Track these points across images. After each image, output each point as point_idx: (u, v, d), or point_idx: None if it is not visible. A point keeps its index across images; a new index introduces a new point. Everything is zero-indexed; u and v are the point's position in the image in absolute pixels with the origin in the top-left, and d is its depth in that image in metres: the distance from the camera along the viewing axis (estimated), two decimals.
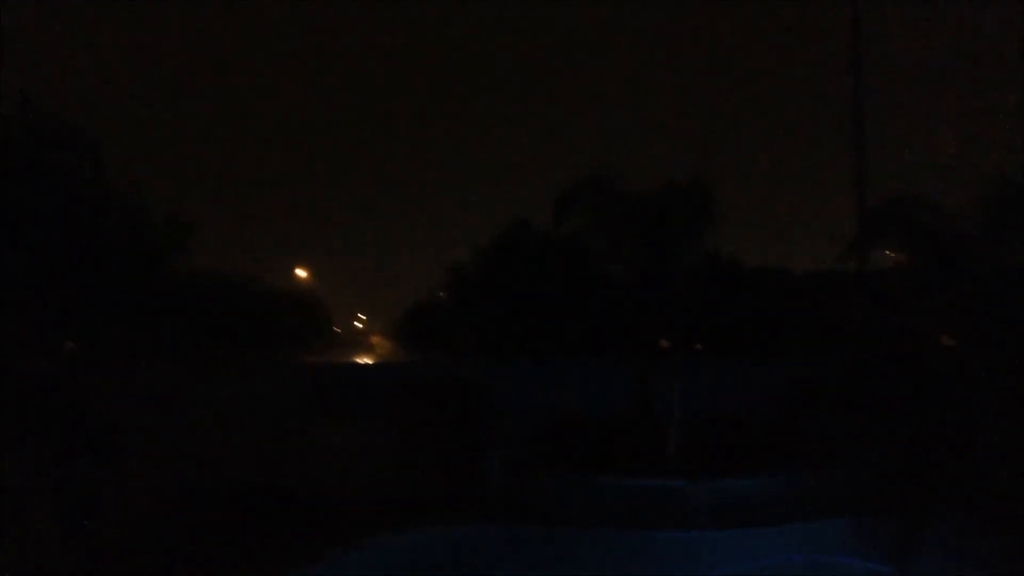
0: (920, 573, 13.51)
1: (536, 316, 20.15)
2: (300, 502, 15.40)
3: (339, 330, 33.90)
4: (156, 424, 15.43)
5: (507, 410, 17.71)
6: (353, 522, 15.18)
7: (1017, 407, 14.87)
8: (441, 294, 24.42)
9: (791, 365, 19.09)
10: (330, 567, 13.86)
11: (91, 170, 13.74)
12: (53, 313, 12.49)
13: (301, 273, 29.70)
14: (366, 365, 28.26)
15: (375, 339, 37.49)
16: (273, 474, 15.86)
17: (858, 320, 18.01)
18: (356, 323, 39.52)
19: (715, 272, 20.33)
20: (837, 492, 15.78)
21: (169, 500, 14.62)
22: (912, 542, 14.62)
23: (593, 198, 18.39)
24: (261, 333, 20.54)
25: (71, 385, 12.78)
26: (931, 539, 14.71)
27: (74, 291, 12.61)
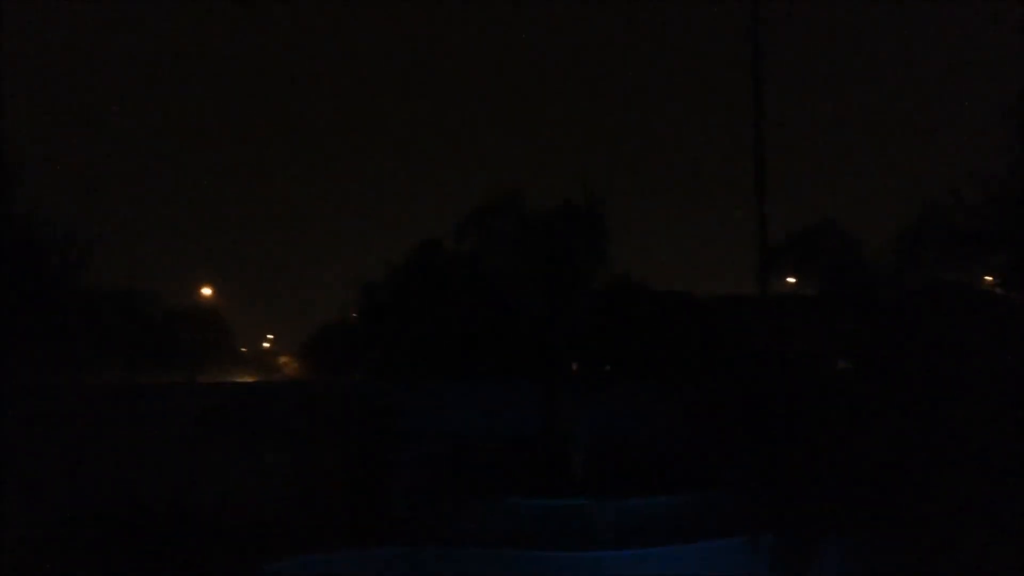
0: None
1: (444, 337, 20.12)
2: (199, 524, 15.04)
3: (245, 350, 33.24)
4: (49, 446, 14.97)
5: (413, 431, 17.60)
6: (253, 545, 14.90)
7: (911, 429, 15.51)
8: (351, 314, 24.15)
9: (695, 388, 19.50)
10: None
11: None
12: None
13: (206, 291, 29.01)
14: (269, 384, 27.68)
15: (284, 359, 36.85)
16: (172, 496, 15.48)
17: (759, 345, 18.53)
18: (264, 343, 38.78)
19: (621, 295, 20.62)
20: (736, 511, 16.18)
21: (65, 521, 14.27)
22: (807, 559, 15.09)
23: (493, 220, 18.66)
24: (159, 351, 20.10)
25: None
26: (825, 556, 15.22)
27: None
